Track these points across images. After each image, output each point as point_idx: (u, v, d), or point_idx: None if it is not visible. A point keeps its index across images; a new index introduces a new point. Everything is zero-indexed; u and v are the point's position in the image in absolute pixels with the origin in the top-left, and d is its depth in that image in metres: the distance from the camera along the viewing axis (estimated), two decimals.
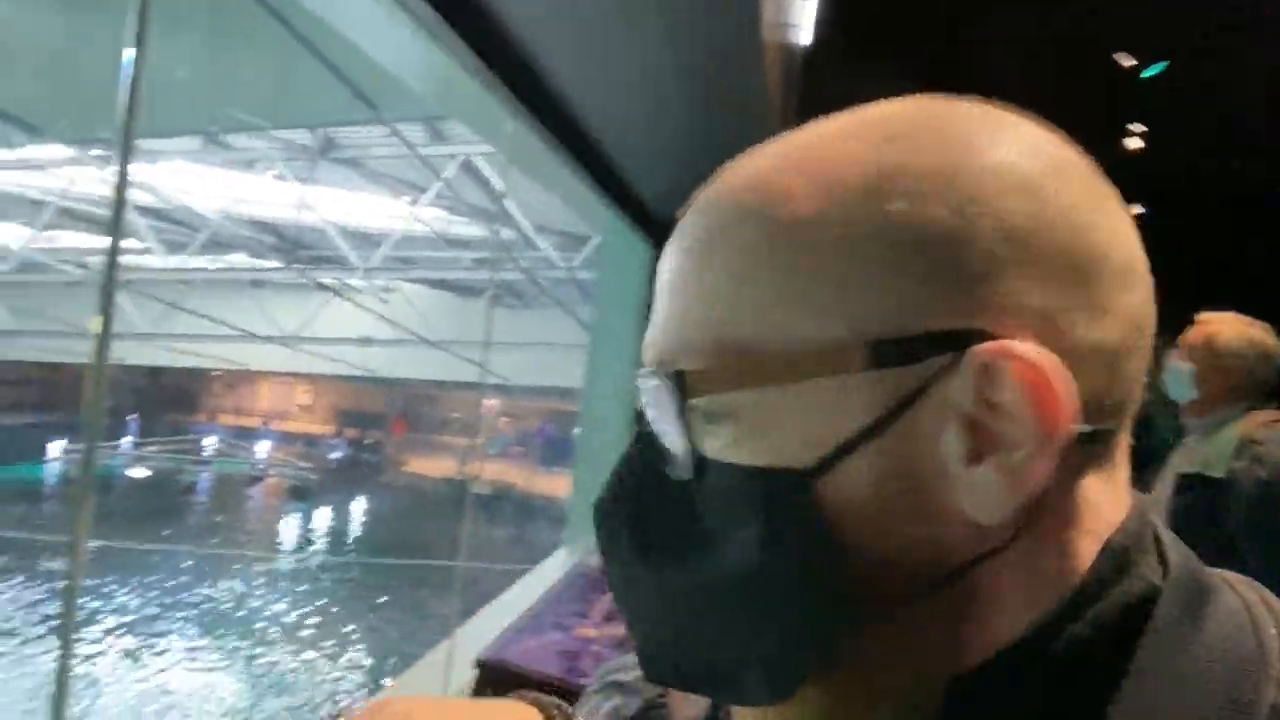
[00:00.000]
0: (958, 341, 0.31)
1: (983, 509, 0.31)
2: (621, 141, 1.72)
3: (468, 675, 2.19)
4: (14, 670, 9.98)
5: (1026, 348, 0.30)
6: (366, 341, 16.95)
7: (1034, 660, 0.32)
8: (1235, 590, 0.34)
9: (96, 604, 12.32)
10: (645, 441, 0.38)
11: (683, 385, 0.34)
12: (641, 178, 1.74)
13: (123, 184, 1.34)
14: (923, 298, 0.31)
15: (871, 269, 0.32)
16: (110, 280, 1.31)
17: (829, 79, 4.46)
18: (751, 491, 0.33)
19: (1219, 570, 0.36)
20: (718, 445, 0.34)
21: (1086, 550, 0.33)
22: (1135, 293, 0.34)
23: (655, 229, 3.57)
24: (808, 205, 0.33)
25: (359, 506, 21.66)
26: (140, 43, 1.24)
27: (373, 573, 14.80)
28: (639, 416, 0.38)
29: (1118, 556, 0.33)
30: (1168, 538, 0.35)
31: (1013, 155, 0.33)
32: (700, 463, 0.35)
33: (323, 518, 20.18)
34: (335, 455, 26.53)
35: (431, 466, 23.49)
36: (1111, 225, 0.34)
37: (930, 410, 0.31)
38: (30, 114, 6.54)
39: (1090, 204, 0.34)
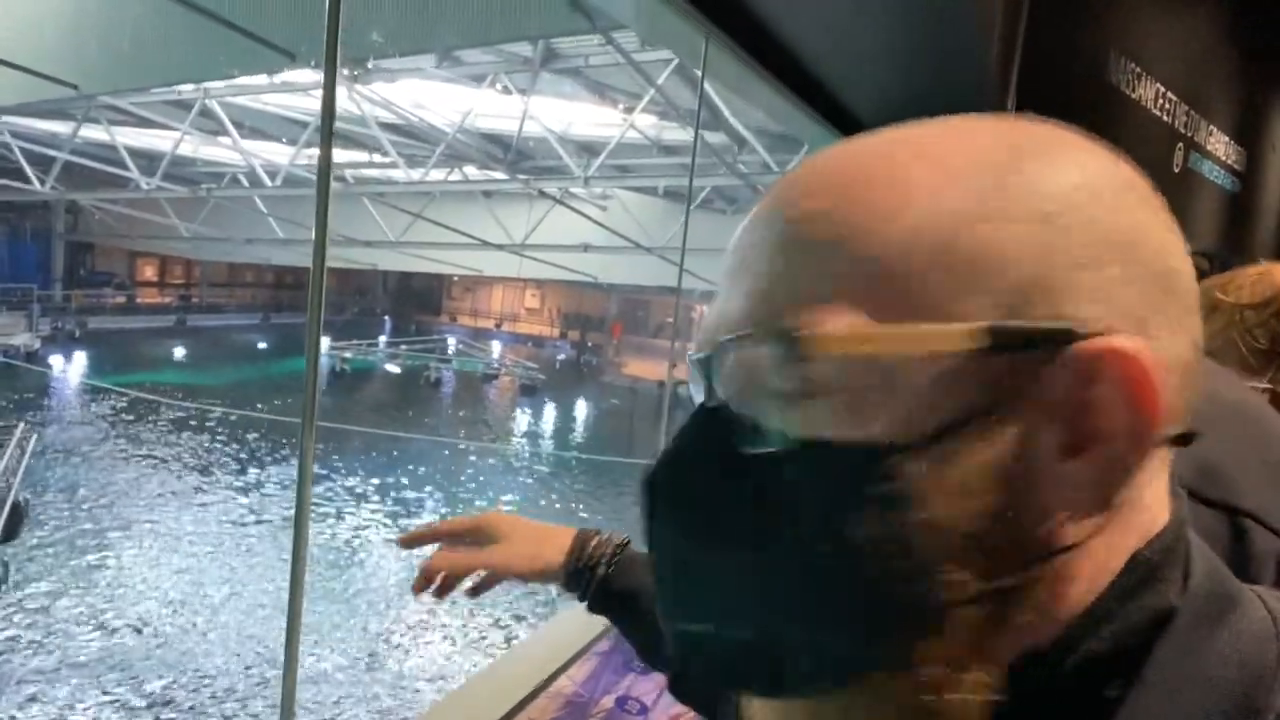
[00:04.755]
0: (1060, 337, 0.30)
1: (1073, 503, 0.31)
2: (825, 51, 1.61)
3: None
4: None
5: (1128, 343, 0.30)
6: (585, 248, 17.61)
7: (1053, 675, 0.32)
8: (1265, 603, 0.34)
9: (367, 482, 14.18)
10: (712, 414, 0.36)
11: (794, 347, 0.32)
12: (848, 87, 1.62)
13: (330, 100, 1.43)
14: (1029, 290, 0.31)
15: (992, 257, 0.31)
16: (324, 191, 1.43)
17: None
18: (847, 467, 0.31)
19: (1258, 586, 0.35)
20: (808, 417, 0.32)
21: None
22: (1196, 316, 0.34)
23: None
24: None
25: (580, 405, 23.11)
26: None
27: (592, 466, 15.85)
28: (708, 389, 0.36)
29: (1144, 570, 0.32)
30: (1197, 550, 0.35)
31: (1097, 169, 0.33)
32: (792, 436, 0.32)
33: (548, 414, 21.77)
34: (560, 357, 28.24)
35: (647, 369, 24.32)
36: (1180, 248, 0.34)
37: (1029, 401, 0.31)
38: (288, 41, 7.20)
39: (1165, 225, 0.34)
